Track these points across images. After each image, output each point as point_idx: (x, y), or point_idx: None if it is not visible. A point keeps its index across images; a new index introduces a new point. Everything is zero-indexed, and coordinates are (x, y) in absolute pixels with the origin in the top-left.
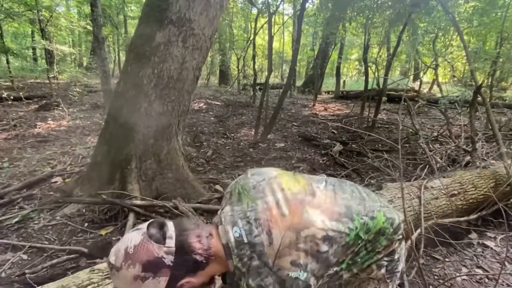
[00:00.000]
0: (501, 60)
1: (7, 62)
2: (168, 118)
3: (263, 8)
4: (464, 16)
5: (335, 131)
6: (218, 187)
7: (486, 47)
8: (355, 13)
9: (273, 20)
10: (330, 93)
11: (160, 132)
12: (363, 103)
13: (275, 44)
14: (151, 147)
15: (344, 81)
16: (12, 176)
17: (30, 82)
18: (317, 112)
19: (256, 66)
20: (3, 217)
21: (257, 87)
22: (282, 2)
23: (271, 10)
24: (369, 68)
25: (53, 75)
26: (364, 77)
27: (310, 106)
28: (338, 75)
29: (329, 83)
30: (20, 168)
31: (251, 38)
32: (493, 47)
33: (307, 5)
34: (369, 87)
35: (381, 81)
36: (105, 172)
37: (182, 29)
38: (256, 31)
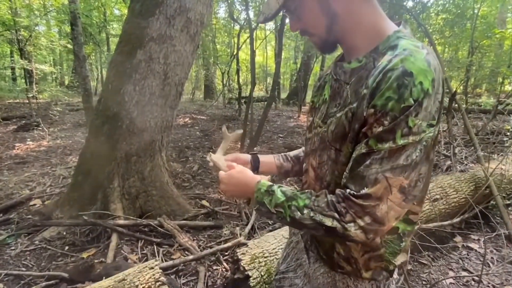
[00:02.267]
0: (474, 68)
1: None
2: (151, 134)
3: (244, 24)
4: (436, 28)
5: None
6: (204, 202)
7: (459, 56)
8: None
9: (255, 35)
10: None
11: (143, 149)
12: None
13: (258, 58)
14: (134, 164)
15: None
16: None
17: (9, 103)
18: (302, 123)
19: (240, 80)
20: None
21: (242, 101)
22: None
23: (252, 25)
24: None
25: (32, 95)
26: None
27: (295, 117)
28: None
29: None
30: None
31: (235, 53)
32: (465, 56)
33: (287, 20)
34: None
35: None
36: (86, 192)
37: (163, 46)
38: (239, 46)
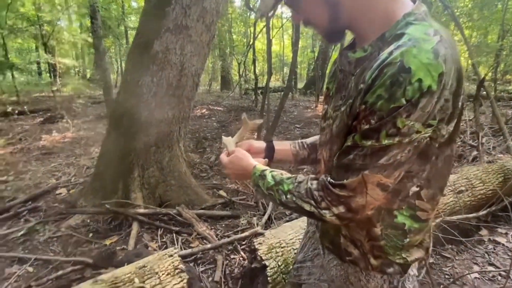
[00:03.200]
0: (504, 52)
1: (12, 77)
2: (169, 125)
3: None
4: (464, 11)
5: None
6: (221, 192)
7: (488, 41)
8: None
9: (271, 24)
10: None
11: (161, 139)
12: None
13: (275, 48)
14: (153, 155)
15: None
16: (17, 190)
17: (35, 96)
18: (320, 113)
19: (257, 70)
20: (9, 230)
21: (259, 91)
22: (280, 6)
23: (269, 14)
24: None
25: (55, 88)
26: None
27: (312, 107)
28: None
29: None
30: (25, 181)
31: (251, 43)
32: (495, 40)
33: None
34: None
35: None
36: (108, 182)
37: (179, 36)
38: (255, 36)
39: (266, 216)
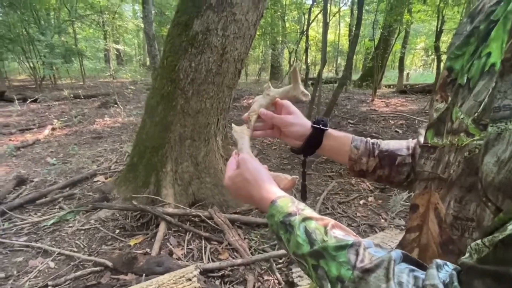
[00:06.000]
0: None
1: (80, 64)
2: (206, 116)
3: None
4: None
5: (399, 130)
6: None
7: None
8: None
9: (328, 8)
10: (392, 87)
11: (197, 132)
12: (432, 97)
13: (330, 37)
14: (188, 148)
15: (407, 74)
16: (61, 173)
17: (100, 82)
18: (377, 108)
19: (308, 60)
20: (42, 218)
21: (309, 82)
22: None
23: None
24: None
25: (109, 74)
26: (431, 70)
27: (368, 101)
28: (401, 67)
29: (389, 77)
30: (70, 165)
31: (305, 29)
32: None
33: None
34: None
35: None
36: (141, 174)
37: (222, 15)
38: (310, 22)
39: None
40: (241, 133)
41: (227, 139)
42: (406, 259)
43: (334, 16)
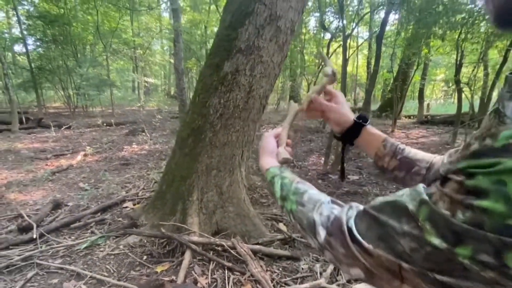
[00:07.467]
0: None
1: (111, 93)
2: (232, 148)
3: (336, 32)
4: None
5: None
6: (281, 226)
7: None
8: (445, 30)
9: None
10: (412, 117)
11: (223, 162)
12: (455, 129)
13: (348, 68)
14: (214, 178)
15: (428, 104)
16: (92, 198)
17: (127, 109)
18: (397, 138)
19: None
20: (76, 241)
21: None
22: (356, 26)
23: (346, 32)
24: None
25: (140, 104)
26: (452, 100)
27: (388, 132)
28: (421, 97)
29: (409, 107)
30: (101, 190)
31: (323, 63)
32: None
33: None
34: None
35: (477, 104)
36: (168, 202)
37: (250, 57)
38: (329, 56)
39: (332, 265)
40: (291, 110)
41: (248, 169)
42: (334, 202)
43: (354, 52)
